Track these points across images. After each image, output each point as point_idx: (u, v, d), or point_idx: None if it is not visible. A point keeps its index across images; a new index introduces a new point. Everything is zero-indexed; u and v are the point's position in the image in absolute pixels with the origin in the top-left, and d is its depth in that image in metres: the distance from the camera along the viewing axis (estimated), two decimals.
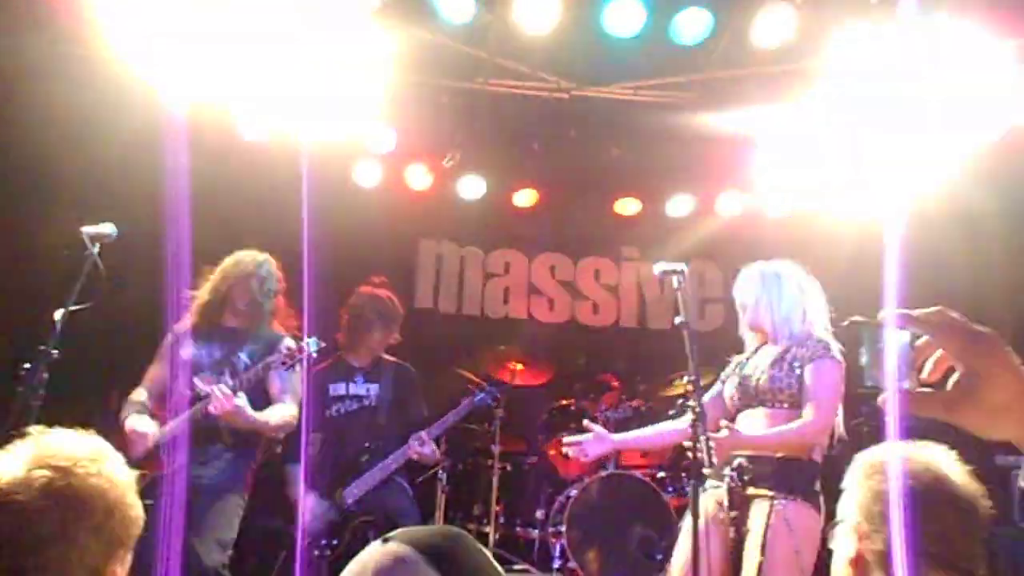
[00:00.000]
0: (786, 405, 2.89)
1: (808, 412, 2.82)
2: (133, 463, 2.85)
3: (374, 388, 4.12)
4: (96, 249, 2.91)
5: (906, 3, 3.69)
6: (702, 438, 2.52)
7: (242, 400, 3.27)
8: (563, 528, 4.79)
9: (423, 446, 3.94)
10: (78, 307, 2.81)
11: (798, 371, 2.91)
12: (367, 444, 3.98)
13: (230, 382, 3.32)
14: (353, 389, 4.17)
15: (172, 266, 3.75)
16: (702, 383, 2.81)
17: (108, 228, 2.97)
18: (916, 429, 1.39)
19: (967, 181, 5.05)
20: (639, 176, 6.18)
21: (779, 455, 2.79)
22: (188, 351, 3.49)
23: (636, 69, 5.16)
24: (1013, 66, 4.37)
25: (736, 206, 6.15)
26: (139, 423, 3.33)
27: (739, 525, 2.71)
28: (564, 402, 5.42)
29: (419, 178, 5.99)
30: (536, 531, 5.05)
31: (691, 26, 4.51)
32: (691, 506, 2.55)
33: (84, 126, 4.98)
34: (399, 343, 4.40)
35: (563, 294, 6.61)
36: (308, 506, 3.76)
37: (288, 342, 3.43)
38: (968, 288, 5.30)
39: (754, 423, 2.94)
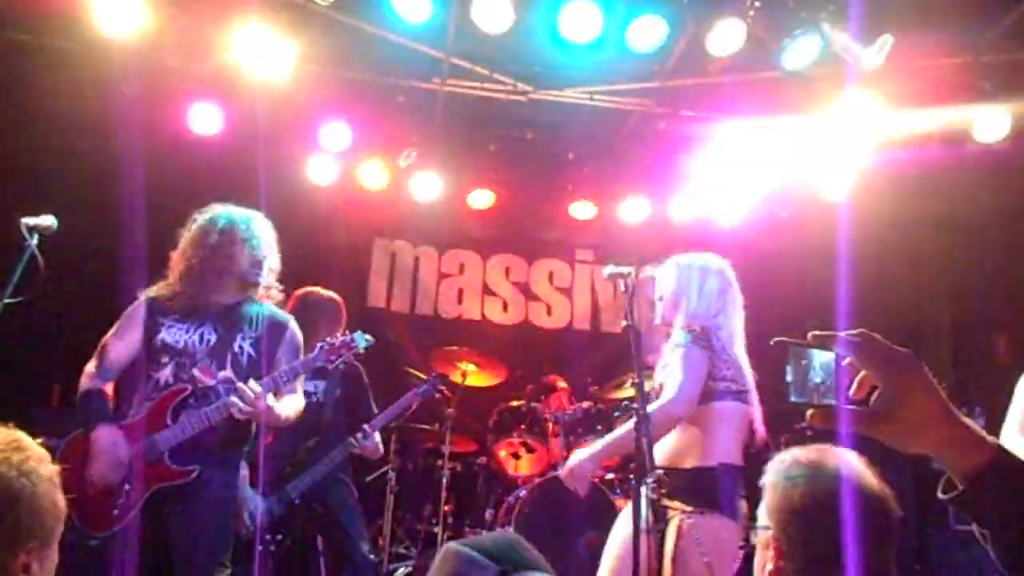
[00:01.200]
0: None
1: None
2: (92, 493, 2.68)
3: (321, 384, 4.09)
4: (35, 241, 2.74)
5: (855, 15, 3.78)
6: (644, 440, 2.50)
7: (271, 398, 2.89)
8: (511, 529, 4.80)
9: (366, 439, 3.93)
10: (14, 300, 2.68)
11: None
12: (311, 440, 3.95)
13: (229, 374, 2.91)
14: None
15: (125, 263, 3.60)
16: (648, 386, 2.82)
17: (48, 219, 2.79)
18: (848, 436, 1.43)
19: (910, 192, 5.21)
20: (594, 180, 6.23)
21: (689, 466, 2.74)
22: (168, 332, 2.94)
23: (593, 74, 5.21)
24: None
25: (689, 212, 6.23)
26: (109, 438, 2.77)
27: (663, 538, 2.62)
28: (514, 403, 5.43)
29: (374, 176, 5.95)
30: (485, 532, 5.05)
31: (647, 33, 4.55)
32: (632, 510, 2.54)
33: (29, 115, 4.87)
34: None
35: (517, 295, 6.63)
36: (254, 501, 3.71)
37: (331, 340, 3.05)
38: (907, 294, 5.44)
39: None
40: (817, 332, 0.98)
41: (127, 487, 2.78)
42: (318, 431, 4.01)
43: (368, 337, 3.12)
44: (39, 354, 5.09)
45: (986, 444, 0.93)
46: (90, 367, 2.95)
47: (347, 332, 3.12)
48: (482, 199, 6.34)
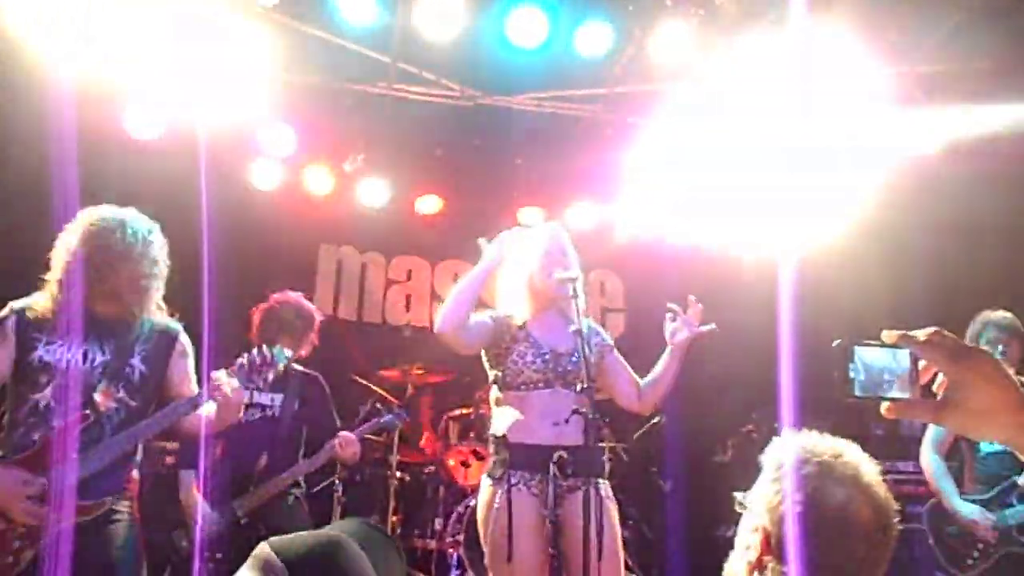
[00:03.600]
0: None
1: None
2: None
3: (279, 398, 3.96)
4: None
5: (796, 22, 3.84)
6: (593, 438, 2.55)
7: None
8: (460, 538, 4.76)
9: (349, 446, 3.84)
10: None
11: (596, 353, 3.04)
12: (265, 456, 3.83)
13: (123, 395, 2.73)
14: (257, 397, 4.00)
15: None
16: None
17: None
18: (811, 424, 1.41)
19: (884, 201, 5.31)
20: (542, 186, 6.24)
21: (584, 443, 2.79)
22: (45, 350, 2.67)
23: (540, 80, 5.21)
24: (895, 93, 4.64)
25: (636, 220, 6.27)
26: (13, 478, 2.52)
27: (559, 523, 2.74)
28: (463, 411, 5.39)
29: (320, 182, 5.87)
30: (434, 541, 5.00)
31: (593, 39, 4.58)
32: (583, 506, 2.59)
33: None
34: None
35: None
36: (202, 511, 3.60)
37: (248, 359, 2.87)
38: (888, 301, 5.54)
39: (560, 402, 2.90)
40: (891, 332, 1.07)
41: (22, 528, 2.53)
42: (272, 446, 3.89)
43: (288, 352, 2.98)
44: None
45: None
46: None
47: (264, 347, 2.95)
48: (430, 205, 6.30)
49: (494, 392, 3.04)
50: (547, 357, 2.95)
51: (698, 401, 5.82)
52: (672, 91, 5.06)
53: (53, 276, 2.74)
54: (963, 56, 4.65)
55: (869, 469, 1.36)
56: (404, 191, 6.10)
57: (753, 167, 5.08)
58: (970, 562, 3.71)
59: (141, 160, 5.15)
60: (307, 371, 4.15)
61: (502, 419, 2.96)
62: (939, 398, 1.05)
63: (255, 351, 2.91)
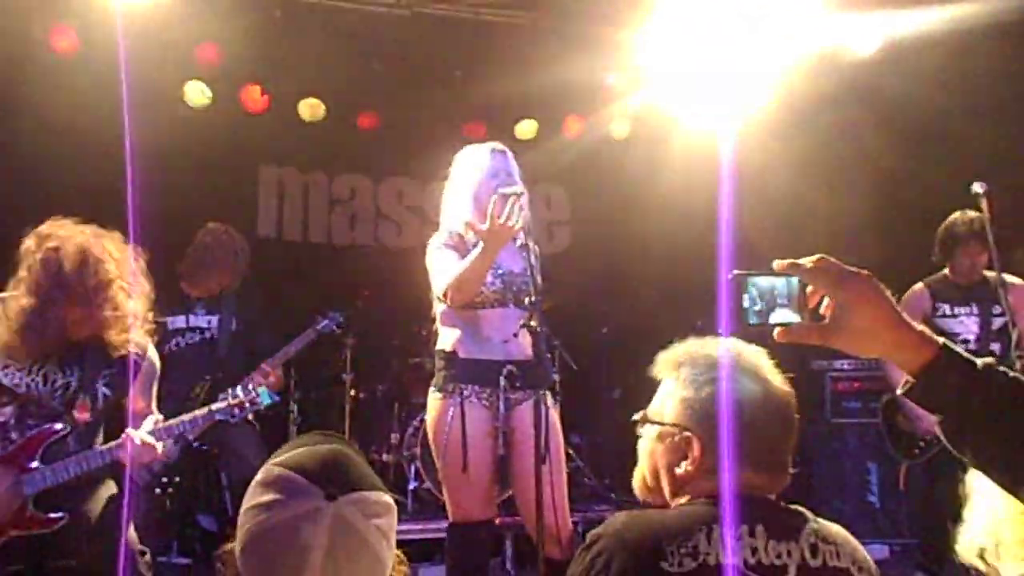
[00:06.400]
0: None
1: None
2: None
3: (215, 319, 3.96)
4: None
5: None
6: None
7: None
8: (417, 450, 4.86)
9: (267, 378, 3.85)
10: None
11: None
12: (207, 377, 3.84)
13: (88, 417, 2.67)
14: (193, 321, 3.99)
15: None
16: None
17: None
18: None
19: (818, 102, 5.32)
20: (484, 99, 6.13)
21: (533, 357, 2.85)
22: (5, 375, 2.61)
23: None
24: None
25: (581, 130, 6.24)
26: None
27: (508, 433, 2.87)
28: (416, 329, 5.42)
29: (255, 101, 5.67)
30: (391, 455, 5.09)
31: None
32: (535, 417, 2.68)
33: None
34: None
35: (412, 219, 6.53)
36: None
37: (234, 398, 2.87)
38: (825, 208, 5.63)
39: (510, 319, 2.95)
40: (780, 261, 1.13)
41: None
42: (213, 369, 3.89)
43: (275, 396, 3.02)
44: None
45: (933, 344, 1.09)
46: None
47: (250, 387, 2.95)
48: (370, 121, 6.15)
49: (439, 307, 3.07)
50: (505, 278, 2.99)
51: (641, 310, 5.95)
52: None
53: (20, 296, 2.60)
54: None
55: (765, 361, 1.46)
56: (343, 107, 5.93)
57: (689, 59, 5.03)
58: (917, 451, 4.00)
59: (54, 74, 4.89)
60: (242, 290, 4.14)
61: (450, 335, 3.00)
62: (826, 321, 1.12)
63: (239, 389, 2.93)
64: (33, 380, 2.64)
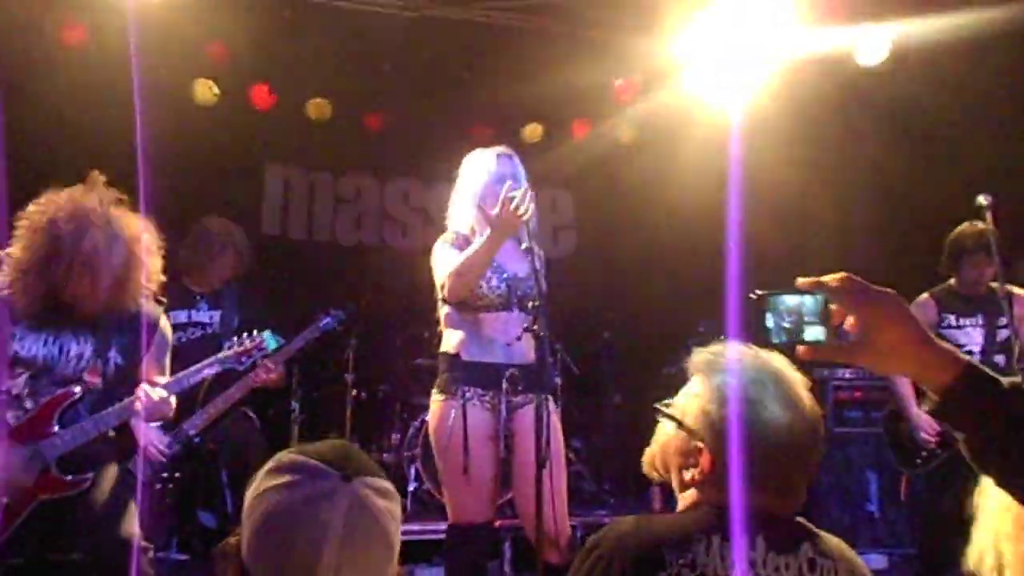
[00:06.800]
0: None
1: None
2: None
3: (217, 315, 3.96)
4: None
5: None
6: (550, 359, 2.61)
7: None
8: (417, 451, 4.86)
9: (269, 374, 3.85)
10: None
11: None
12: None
13: (98, 381, 2.69)
14: (195, 316, 3.99)
15: None
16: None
17: None
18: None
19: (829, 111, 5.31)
20: (492, 102, 6.13)
21: (536, 361, 2.87)
22: (20, 344, 2.61)
23: None
24: None
25: (588, 134, 6.23)
26: None
27: (509, 436, 2.87)
28: (418, 330, 5.42)
29: (263, 99, 5.68)
30: (391, 456, 5.09)
31: None
32: (536, 421, 2.67)
33: None
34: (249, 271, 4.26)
35: (417, 220, 6.54)
36: (151, 439, 3.61)
37: (239, 345, 2.87)
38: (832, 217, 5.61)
39: (513, 323, 2.96)
40: (804, 279, 1.11)
41: (4, 500, 2.51)
42: None
43: (280, 339, 3.01)
44: None
45: (958, 362, 1.06)
46: None
47: (255, 333, 2.97)
48: (377, 122, 6.16)
49: (443, 309, 3.07)
50: (509, 281, 2.99)
51: (644, 315, 5.95)
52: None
53: (25, 263, 2.59)
54: None
55: (798, 381, 1.43)
56: (351, 107, 5.95)
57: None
58: (918, 461, 3.99)
59: (69, 71, 4.91)
60: (245, 286, 4.14)
61: (454, 337, 3.00)
62: (850, 339, 1.10)
63: (245, 336, 2.92)
64: (48, 351, 2.65)
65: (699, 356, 1.49)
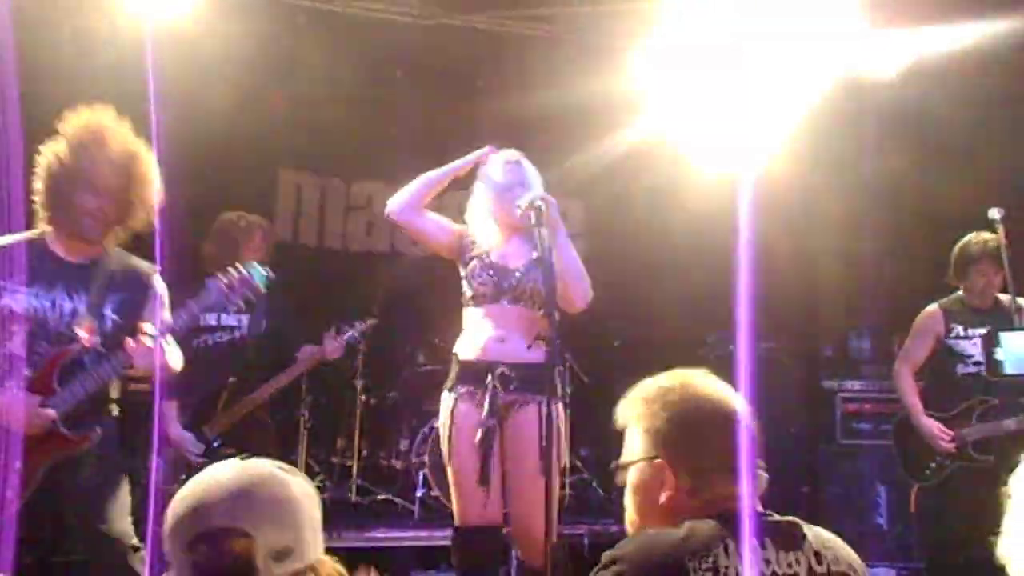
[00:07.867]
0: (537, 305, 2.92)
1: None
2: None
3: (245, 319, 3.93)
4: None
5: None
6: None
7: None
8: (426, 457, 4.87)
9: (335, 340, 3.94)
10: None
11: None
12: (231, 379, 3.83)
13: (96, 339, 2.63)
14: (225, 319, 3.96)
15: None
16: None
17: None
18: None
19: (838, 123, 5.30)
20: (504, 110, 6.14)
21: (535, 361, 2.80)
22: (13, 298, 2.56)
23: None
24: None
25: (600, 143, 6.23)
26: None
27: (494, 432, 2.84)
28: (428, 336, 5.44)
29: (276, 105, 5.72)
30: (399, 461, 5.10)
31: None
32: (543, 423, 2.66)
33: None
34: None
35: None
36: (185, 442, 3.62)
37: (224, 278, 2.70)
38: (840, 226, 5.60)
39: (505, 316, 2.98)
40: None
41: (16, 463, 2.49)
42: (239, 369, 3.88)
43: (265, 271, 2.80)
44: None
45: None
46: None
47: (242, 266, 2.82)
48: (389, 129, 6.18)
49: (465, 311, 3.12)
50: (492, 271, 3.01)
51: (653, 324, 5.94)
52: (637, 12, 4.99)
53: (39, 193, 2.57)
54: None
55: (710, 381, 1.52)
56: (362, 114, 5.98)
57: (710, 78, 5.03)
58: (928, 472, 3.97)
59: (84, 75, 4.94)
60: (275, 293, 4.14)
61: (460, 337, 3.06)
62: None
63: (231, 270, 2.77)
64: (41, 305, 2.59)
65: (618, 411, 1.55)
